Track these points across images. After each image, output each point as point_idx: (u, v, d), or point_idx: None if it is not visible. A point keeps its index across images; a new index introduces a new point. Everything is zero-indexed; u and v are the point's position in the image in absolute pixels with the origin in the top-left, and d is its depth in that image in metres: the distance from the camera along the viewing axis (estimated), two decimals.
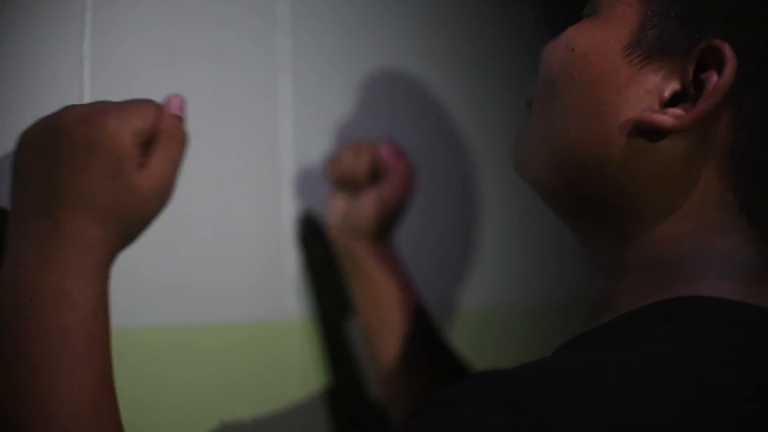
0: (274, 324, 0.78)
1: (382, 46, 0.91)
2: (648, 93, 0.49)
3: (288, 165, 0.80)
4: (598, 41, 0.52)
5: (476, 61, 1.03)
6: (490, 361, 0.97)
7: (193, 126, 0.70)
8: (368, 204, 0.75)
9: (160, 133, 0.50)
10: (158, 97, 0.67)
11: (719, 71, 0.47)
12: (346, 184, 0.77)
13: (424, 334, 0.77)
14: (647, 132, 0.49)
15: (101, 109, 0.49)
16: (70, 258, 0.47)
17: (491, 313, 1.00)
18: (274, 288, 0.78)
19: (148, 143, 0.50)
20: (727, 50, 0.47)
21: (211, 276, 0.71)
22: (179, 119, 0.52)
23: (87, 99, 0.62)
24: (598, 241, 0.53)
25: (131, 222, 0.50)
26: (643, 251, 0.50)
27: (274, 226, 0.78)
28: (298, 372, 0.79)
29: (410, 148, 0.93)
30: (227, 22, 0.74)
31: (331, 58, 0.85)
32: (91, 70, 0.62)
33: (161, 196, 0.51)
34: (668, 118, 0.48)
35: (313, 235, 0.81)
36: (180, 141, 0.51)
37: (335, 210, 0.77)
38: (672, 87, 0.49)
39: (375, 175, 0.76)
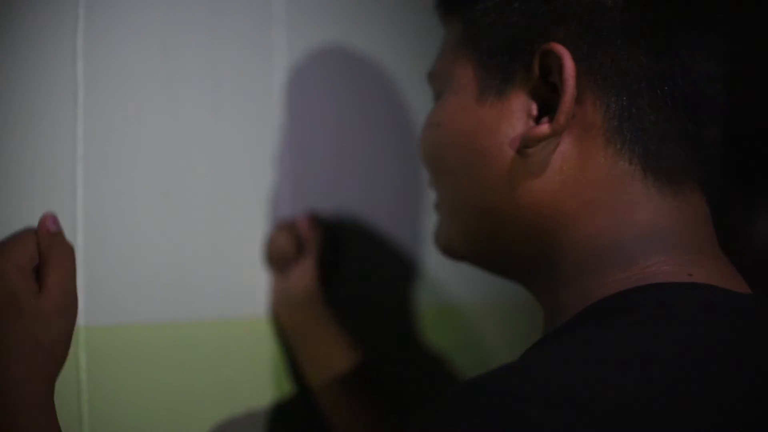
0: (269, 321, 0.78)
1: (377, 42, 0.91)
2: (518, 120, 0.53)
3: (284, 163, 0.80)
4: (455, 106, 0.56)
5: None
6: (478, 356, 0.97)
7: (188, 124, 0.70)
8: (298, 276, 0.77)
9: (45, 255, 0.52)
10: (153, 94, 0.67)
11: (561, 69, 0.50)
12: (281, 263, 0.78)
13: (367, 381, 0.78)
14: (535, 147, 0.52)
15: None
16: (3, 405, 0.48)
17: (475, 308, 1.00)
18: (268, 285, 0.78)
19: (38, 268, 0.52)
20: (556, 47, 0.50)
21: (205, 273, 0.71)
22: (57, 233, 0.54)
23: (81, 97, 0.62)
24: (540, 279, 0.55)
25: (47, 346, 0.51)
26: (579, 257, 0.52)
27: (271, 223, 0.78)
28: (292, 369, 0.79)
29: (408, 138, 0.93)
30: (222, 18, 0.74)
31: (327, 55, 0.85)
32: (85, 66, 0.62)
33: (67, 311, 0.52)
34: (544, 126, 0.51)
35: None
36: (65, 255, 0.53)
37: (275, 291, 0.78)
38: (534, 103, 0.52)
39: (301, 248, 0.78)
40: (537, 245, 0.54)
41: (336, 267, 0.83)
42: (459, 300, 0.96)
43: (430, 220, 0.95)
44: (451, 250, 0.61)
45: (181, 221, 0.69)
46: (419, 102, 0.94)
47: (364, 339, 0.82)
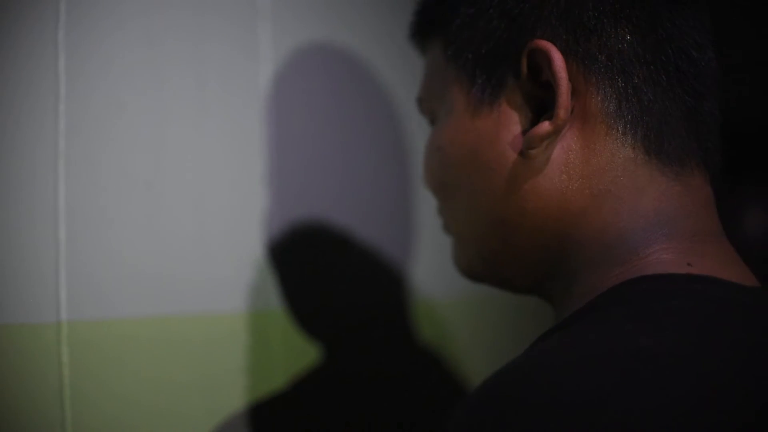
0: (258, 314, 0.77)
1: (363, 39, 0.90)
2: (516, 125, 0.52)
3: (269, 157, 0.79)
4: (452, 126, 0.56)
5: None
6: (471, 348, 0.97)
7: (171, 118, 0.70)
8: None
9: None
10: (136, 88, 0.66)
11: (550, 64, 0.50)
12: None
13: None
14: (538, 148, 0.51)
15: None
16: None
17: (467, 301, 1.00)
18: (257, 279, 0.77)
19: None
20: (540, 44, 0.50)
21: (193, 267, 0.71)
22: None
23: (63, 91, 0.61)
24: (555, 287, 0.54)
25: None
26: (587, 254, 0.51)
27: (256, 216, 0.78)
28: (282, 362, 0.79)
29: (394, 136, 0.93)
30: (207, 9, 0.73)
31: (312, 44, 0.85)
32: (66, 60, 0.61)
33: None
34: (545, 124, 0.50)
35: (292, 227, 0.81)
36: None
37: None
38: (529, 105, 0.52)
39: None
40: (548, 252, 0.53)
41: (324, 264, 0.83)
42: (450, 294, 0.96)
43: (419, 215, 0.95)
44: (472, 272, 0.60)
45: (164, 215, 0.69)
46: (406, 98, 0.94)
47: (357, 336, 0.82)
